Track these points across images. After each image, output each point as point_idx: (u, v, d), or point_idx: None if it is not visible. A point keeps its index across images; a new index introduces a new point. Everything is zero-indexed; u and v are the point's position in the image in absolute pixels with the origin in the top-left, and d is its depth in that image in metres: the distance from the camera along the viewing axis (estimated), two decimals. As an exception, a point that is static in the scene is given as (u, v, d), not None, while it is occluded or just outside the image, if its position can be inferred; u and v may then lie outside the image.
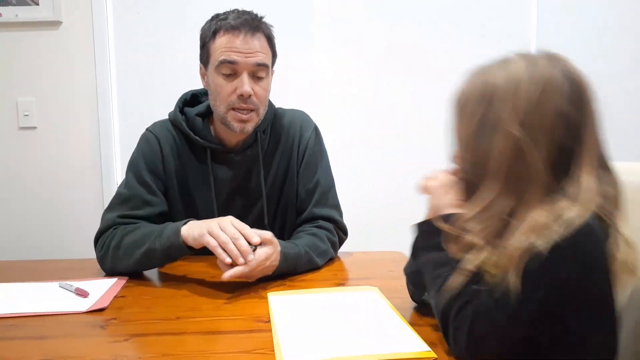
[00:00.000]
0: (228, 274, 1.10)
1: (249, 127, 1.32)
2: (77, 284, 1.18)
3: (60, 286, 1.19)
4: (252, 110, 1.30)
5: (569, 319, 0.77)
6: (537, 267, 0.74)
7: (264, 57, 1.30)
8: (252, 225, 1.39)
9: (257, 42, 1.28)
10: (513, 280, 0.75)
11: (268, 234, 1.17)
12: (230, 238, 1.11)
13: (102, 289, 1.18)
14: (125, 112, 2.21)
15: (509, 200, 0.81)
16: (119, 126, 2.21)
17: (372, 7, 2.22)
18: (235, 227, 1.13)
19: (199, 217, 1.37)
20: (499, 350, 0.78)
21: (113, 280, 1.24)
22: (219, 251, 1.11)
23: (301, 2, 2.20)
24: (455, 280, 0.82)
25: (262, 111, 1.35)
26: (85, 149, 2.20)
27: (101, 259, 1.30)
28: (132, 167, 1.38)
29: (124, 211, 1.32)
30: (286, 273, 1.23)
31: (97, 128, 2.18)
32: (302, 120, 1.46)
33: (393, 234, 2.23)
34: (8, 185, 2.20)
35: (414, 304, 1.06)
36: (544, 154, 0.79)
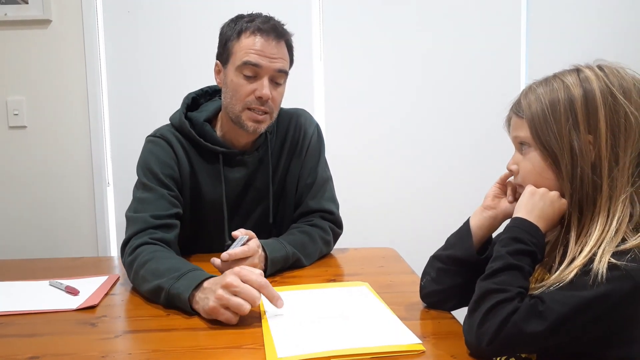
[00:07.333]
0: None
1: (262, 127, 1.33)
2: (67, 282, 1.18)
3: (50, 284, 1.19)
4: (266, 113, 1.32)
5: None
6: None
7: (285, 64, 1.32)
8: (257, 220, 1.42)
9: (281, 49, 1.31)
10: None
11: (244, 248, 1.16)
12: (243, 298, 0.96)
13: (92, 287, 1.18)
14: (116, 110, 2.20)
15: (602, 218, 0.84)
16: (109, 125, 2.20)
17: (373, 8, 2.22)
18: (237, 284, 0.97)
19: (206, 219, 1.38)
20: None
21: (104, 278, 1.24)
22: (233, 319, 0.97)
23: (301, 3, 2.19)
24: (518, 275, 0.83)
25: (275, 115, 1.37)
26: (76, 148, 2.18)
27: (128, 268, 1.18)
28: (147, 172, 1.31)
29: (154, 211, 1.25)
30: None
31: (88, 127, 2.17)
32: (305, 119, 1.48)
33: (385, 232, 2.26)
34: (-2, 185, 2.19)
35: (403, 299, 1.06)
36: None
